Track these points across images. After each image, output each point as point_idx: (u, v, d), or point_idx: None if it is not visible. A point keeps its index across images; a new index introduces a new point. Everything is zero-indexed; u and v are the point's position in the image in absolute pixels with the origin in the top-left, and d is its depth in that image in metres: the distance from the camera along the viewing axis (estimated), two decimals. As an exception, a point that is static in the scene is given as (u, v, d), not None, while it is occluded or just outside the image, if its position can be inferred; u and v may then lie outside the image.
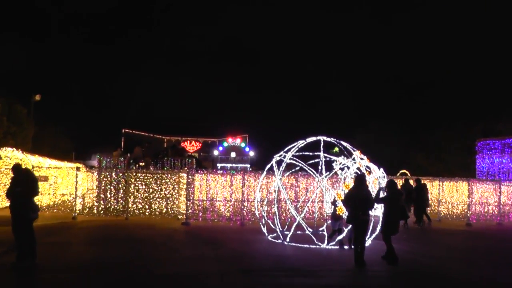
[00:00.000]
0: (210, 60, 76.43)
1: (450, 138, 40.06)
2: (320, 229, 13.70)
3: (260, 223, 14.11)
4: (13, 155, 19.41)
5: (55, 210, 18.59)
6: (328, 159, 13.47)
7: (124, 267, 9.35)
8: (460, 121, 40.33)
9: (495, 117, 37.89)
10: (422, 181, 19.68)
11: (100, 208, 17.98)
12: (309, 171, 14.84)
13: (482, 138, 31.62)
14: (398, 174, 30.18)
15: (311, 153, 14.01)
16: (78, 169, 18.26)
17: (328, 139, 12.96)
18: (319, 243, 12.02)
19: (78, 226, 15.43)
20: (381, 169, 13.63)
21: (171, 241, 12.72)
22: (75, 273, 8.67)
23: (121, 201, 18.01)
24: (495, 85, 51.42)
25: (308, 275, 8.98)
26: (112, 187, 18.12)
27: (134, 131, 34.75)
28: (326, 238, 12.23)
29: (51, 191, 19.72)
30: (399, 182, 18.73)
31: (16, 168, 9.11)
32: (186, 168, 18.51)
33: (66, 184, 21.05)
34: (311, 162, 14.52)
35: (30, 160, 19.21)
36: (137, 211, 17.94)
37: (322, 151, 13.18)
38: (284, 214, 17.22)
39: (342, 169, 13.33)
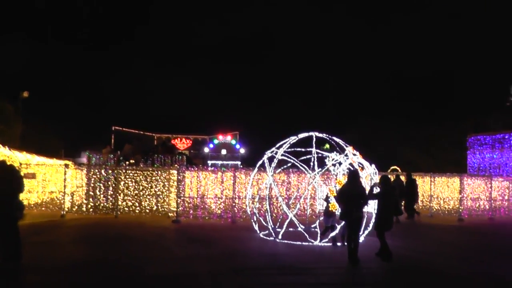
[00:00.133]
0: (211, 59, 75.83)
1: (441, 133, 40.21)
2: (313, 225, 13.58)
3: (252, 220, 13.97)
4: (0, 152, 19.04)
5: (43, 208, 18.25)
6: (320, 155, 13.36)
7: (114, 266, 9.13)
8: (451, 117, 40.52)
9: (486, 113, 38.03)
10: (413, 176, 19.75)
11: (89, 206, 17.74)
12: (301, 167, 14.72)
13: (473, 134, 31.78)
14: (389, 170, 30.18)
15: (303, 149, 13.88)
16: (67, 166, 17.97)
17: (320, 135, 12.84)
18: (312, 240, 11.90)
19: (67, 224, 15.16)
20: (373, 165, 13.54)
21: (162, 239, 12.52)
22: (62, 274, 8.40)
23: (111, 199, 17.78)
24: (486, 80, 51.66)
25: (302, 273, 8.85)
26: (101, 185, 17.89)
27: (124, 129, 34.41)
28: (318, 235, 12.11)
29: (40, 189, 19.39)
30: (391, 178, 18.73)
31: (1, 166, 8.85)
32: (176, 165, 18.29)
33: (55, 182, 20.73)
34: (303, 158, 14.40)
35: (17, 157, 18.86)
36: (127, 209, 17.70)
37: (314, 147, 13.06)
38: (276, 211, 17.10)
39: (334, 165, 13.20)
